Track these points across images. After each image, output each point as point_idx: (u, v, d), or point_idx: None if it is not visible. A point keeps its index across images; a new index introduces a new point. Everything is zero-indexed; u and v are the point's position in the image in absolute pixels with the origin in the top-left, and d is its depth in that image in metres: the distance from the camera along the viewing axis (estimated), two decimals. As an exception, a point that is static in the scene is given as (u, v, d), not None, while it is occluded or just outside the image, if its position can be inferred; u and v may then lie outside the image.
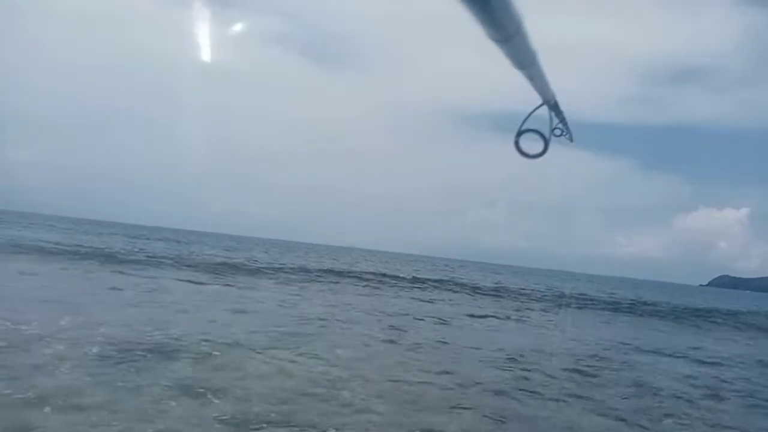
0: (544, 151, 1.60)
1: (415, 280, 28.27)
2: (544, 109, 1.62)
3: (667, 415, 7.27)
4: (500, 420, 6.38)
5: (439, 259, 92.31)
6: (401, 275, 30.22)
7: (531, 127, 1.60)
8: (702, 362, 12.13)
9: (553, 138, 1.64)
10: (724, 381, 10.03)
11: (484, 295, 24.73)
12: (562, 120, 1.80)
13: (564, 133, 1.86)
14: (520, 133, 1.59)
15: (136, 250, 27.91)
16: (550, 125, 1.64)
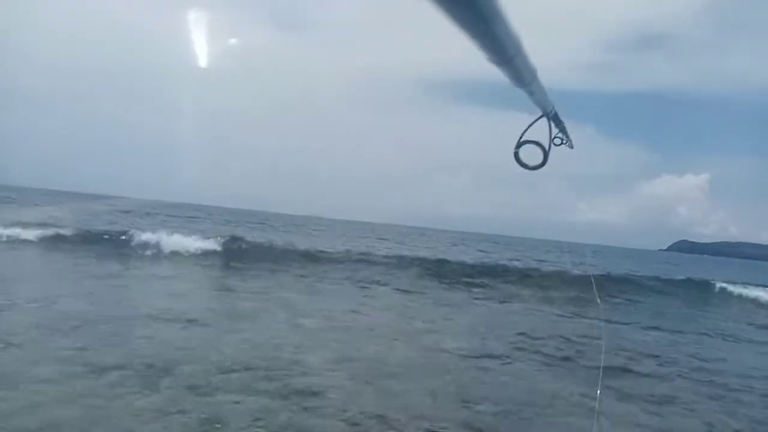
0: (544, 162, 1.59)
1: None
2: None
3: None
4: (462, 385, 6.56)
5: (412, 228, 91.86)
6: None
7: (530, 139, 1.59)
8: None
9: (552, 147, 1.63)
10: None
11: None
12: (562, 129, 1.79)
13: (564, 142, 1.85)
14: (519, 145, 1.58)
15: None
16: (549, 136, 1.63)
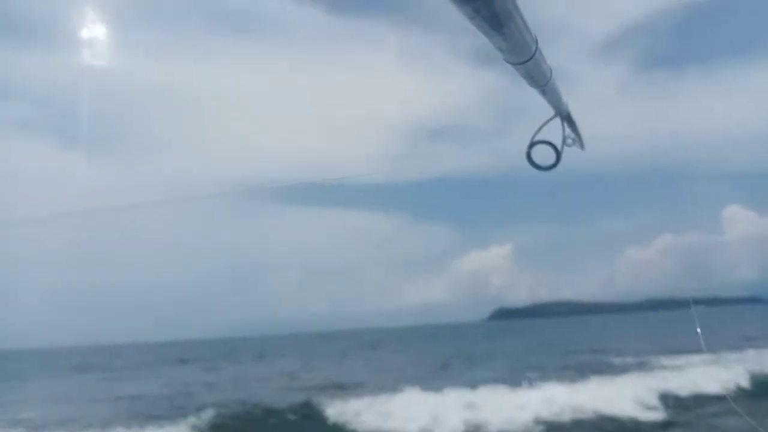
0: (557, 163, 1.52)
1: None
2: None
3: None
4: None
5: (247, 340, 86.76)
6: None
7: (543, 139, 1.52)
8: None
9: (565, 148, 1.56)
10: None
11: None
12: (574, 129, 1.72)
13: (575, 143, 1.77)
14: (532, 145, 1.51)
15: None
16: (562, 136, 1.58)
